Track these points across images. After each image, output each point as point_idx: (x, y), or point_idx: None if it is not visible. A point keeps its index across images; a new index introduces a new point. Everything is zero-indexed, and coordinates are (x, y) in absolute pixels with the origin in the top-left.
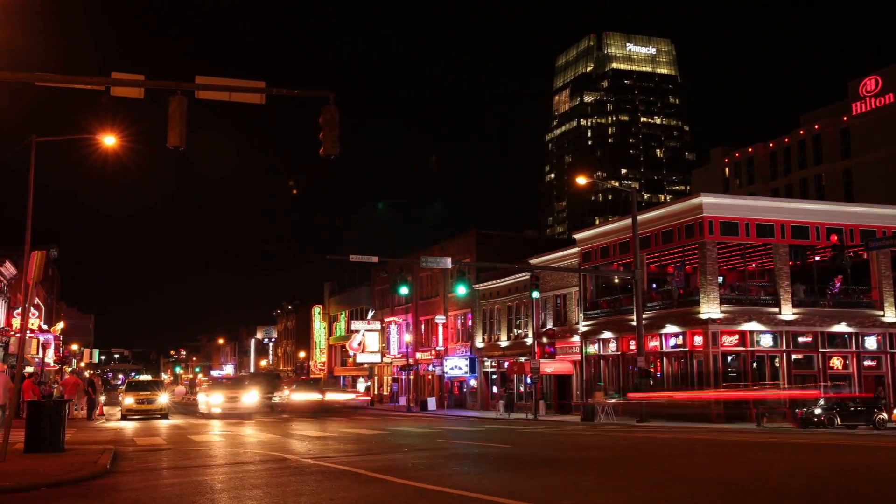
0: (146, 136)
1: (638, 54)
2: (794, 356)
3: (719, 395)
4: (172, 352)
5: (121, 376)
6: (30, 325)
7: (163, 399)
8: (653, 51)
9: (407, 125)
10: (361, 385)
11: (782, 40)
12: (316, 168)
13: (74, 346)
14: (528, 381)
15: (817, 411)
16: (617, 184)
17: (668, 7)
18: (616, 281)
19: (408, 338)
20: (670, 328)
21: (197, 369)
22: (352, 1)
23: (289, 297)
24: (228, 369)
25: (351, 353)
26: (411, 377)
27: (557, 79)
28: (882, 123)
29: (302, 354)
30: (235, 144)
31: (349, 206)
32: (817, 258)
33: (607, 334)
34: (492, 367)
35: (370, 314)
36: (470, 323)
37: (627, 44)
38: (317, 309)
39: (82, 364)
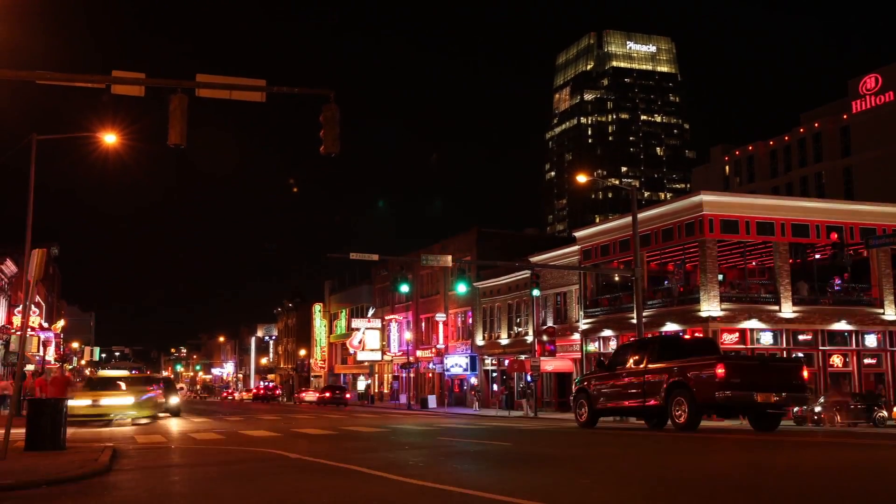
0: (147, 135)
1: (638, 52)
2: (794, 354)
3: None
4: (173, 350)
5: None
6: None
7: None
8: (653, 49)
9: (407, 124)
10: (362, 383)
11: (782, 38)
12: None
13: (75, 344)
14: (529, 378)
15: (817, 409)
16: (617, 182)
17: (668, 5)
18: (616, 279)
19: (408, 336)
20: (671, 326)
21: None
22: (352, 1)
23: (289, 295)
24: (229, 367)
25: (351, 350)
26: (412, 375)
27: (558, 77)
28: (882, 121)
29: (302, 352)
30: (236, 143)
31: (350, 205)
32: (817, 256)
33: (608, 332)
34: (492, 364)
35: (371, 312)
36: (470, 321)
37: (628, 42)
38: (317, 307)
39: (82, 362)
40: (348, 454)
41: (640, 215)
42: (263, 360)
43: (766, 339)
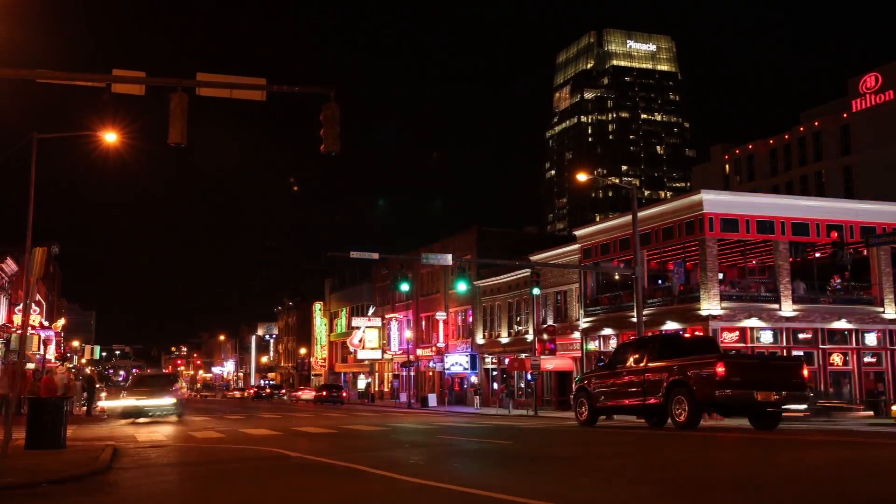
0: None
1: (638, 51)
2: (794, 352)
3: None
4: (174, 348)
5: (122, 373)
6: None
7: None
8: (653, 48)
9: (407, 124)
10: (362, 382)
11: (782, 37)
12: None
13: (75, 343)
14: (529, 377)
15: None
16: (617, 180)
17: (668, 4)
18: (616, 277)
19: (408, 334)
20: (671, 325)
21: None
22: (352, 1)
23: (290, 293)
24: (230, 366)
25: (352, 349)
26: (412, 374)
27: (558, 76)
28: (882, 120)
29: (303, 351)
30: (236, 142)
31: (350, 203)
32: (817, 255)
33: (608, 331)
34: (492, 363)
35: (371, 311)
36: (471, 319)
37: (628, 41)
38: (318, 305)
39: (83, 361)
40: (349, 453)
41: (641, 214)
42: (264, 359)
43: (767, 337)
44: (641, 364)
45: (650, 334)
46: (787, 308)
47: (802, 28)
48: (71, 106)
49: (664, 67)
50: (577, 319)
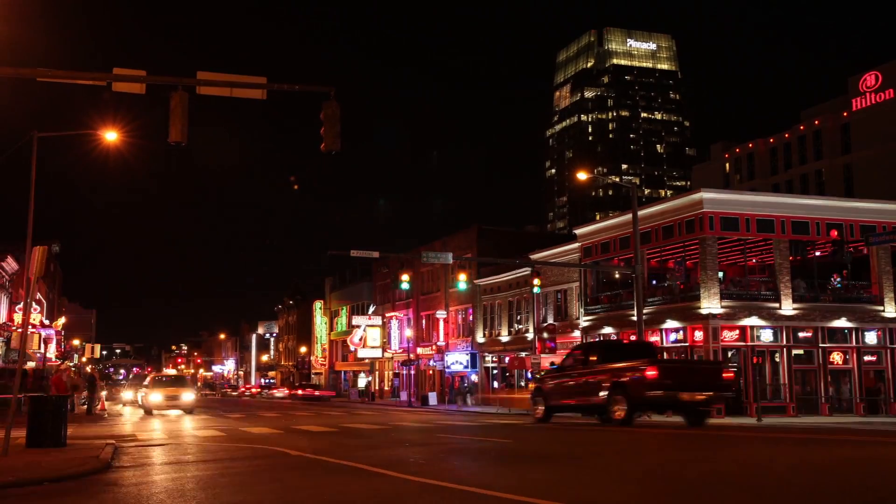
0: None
1: (638, 50)
2: (794, 351)
3: None
4: (174, 347)
5: (122, 371)
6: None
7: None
8: (653, 46)
9: (407, 123)
10: (363, 380)
11: (782, 36)
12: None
13: (76, 342)
14: (529, 376)
15: None
16: (617, 179)
17: (668, 3)
18: (617, 276)
19: (409, 333)
20: (671, 323)
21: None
22: (352, 1)
23: (290, 292)
24: (230, 364)
25: (352, 348)
26: (412, 372)
27: (558, 74)
28: (882, 119)
29: (303, 349)
30: (237, 141)
31: (350, 202)
32: (817, 253)
33: (608, 329)
34: (493, 362)
35: (371, 309)
36: (471, 318)
37: (628, 39)
38: (318, 304)
39: (83, 359)
40: (349, 451)
41: (641, 213)
42: (264, 358)
43: (767, 336)
44: (587, 367)
45: (596, 340)
46: (788, 307)
47: (802, 27)
48: (71, 105)
49: (664, 66)
50: (578, 318)
